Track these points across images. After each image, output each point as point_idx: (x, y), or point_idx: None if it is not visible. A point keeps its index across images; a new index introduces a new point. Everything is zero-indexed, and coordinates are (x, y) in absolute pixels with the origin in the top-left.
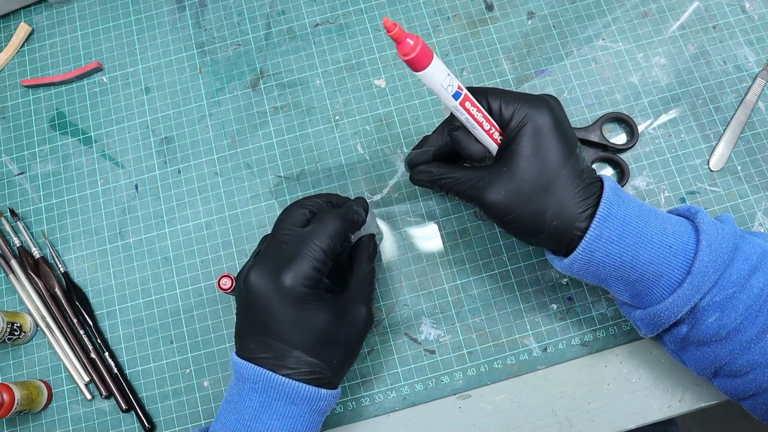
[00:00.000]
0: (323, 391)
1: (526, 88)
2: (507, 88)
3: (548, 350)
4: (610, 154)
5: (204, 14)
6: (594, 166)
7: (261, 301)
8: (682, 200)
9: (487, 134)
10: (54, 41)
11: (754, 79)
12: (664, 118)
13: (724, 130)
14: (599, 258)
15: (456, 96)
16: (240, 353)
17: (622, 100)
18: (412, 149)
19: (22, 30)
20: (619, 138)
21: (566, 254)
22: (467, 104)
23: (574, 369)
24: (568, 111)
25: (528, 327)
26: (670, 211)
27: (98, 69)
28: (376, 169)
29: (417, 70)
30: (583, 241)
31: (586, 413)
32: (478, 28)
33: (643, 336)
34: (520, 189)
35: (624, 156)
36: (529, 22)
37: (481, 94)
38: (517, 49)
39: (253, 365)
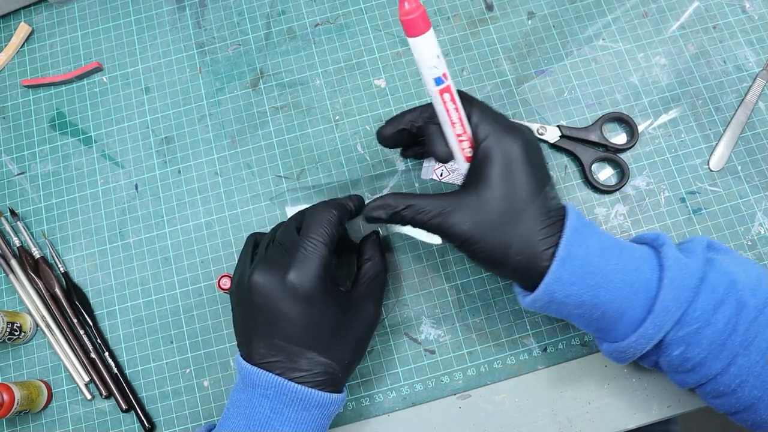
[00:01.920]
0: (334, 396)
1: (526, 88)
2: (493, 108)
3: (548, 350)
4: (610, 154)
5: (204, 14)
6: (594, 166)
7: (268, 302)
8: (682, 200)
9: (456, 139)
10: (54, 41)
11: (755, 79)
12: (664, 118)
13: (724, 130)
14: (560, 298)
15: (437, 81)
16: (249, 358)
17: (622, 100)
18: (386, 123)
19: (22, 30)
20: (620, 138)
21: (532, 289)
22: (446, 96)
23: (574, 369)
24: (568, 111)
25: (528, 327)
26: (637, 238)
27: (98, 69)
28: (376, 169)
29: (410, 35)
30: (542, 283)
31: (586, 413)
32: (478, 28)
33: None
34: (487, 220)
35: (624, 156)
36: (529, 22)
37: (466, 100)
38: (517, 49)
39: (264, 371)
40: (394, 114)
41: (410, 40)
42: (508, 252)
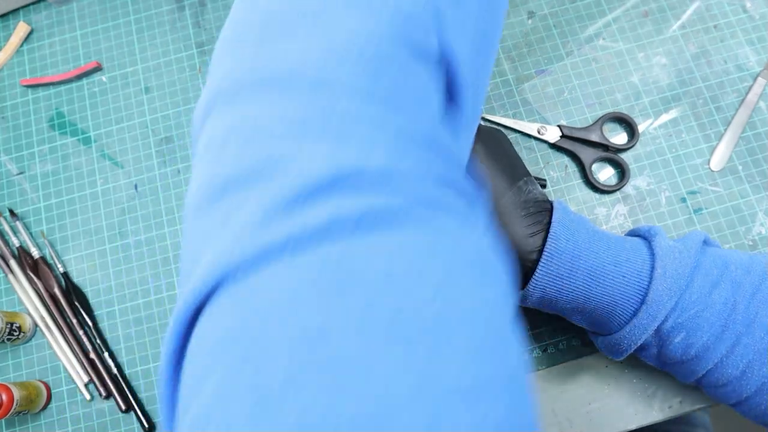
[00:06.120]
0: None
1: (526, 88)
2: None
3: (548, 350)
4: (611, 154)
5: (204, 14)
6: (594, 166)
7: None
8: (683, 200)
9: None
10: (53, 41)
11: (755, 78)
12: (664, 118)
13: (725, 130)
14: (551, 293)
15: None
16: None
17: (623, 100)
18: None
19: (22, 29)
20: (620, 138)
21: (523, 286)
22: None
23: (574, 369)
24: (568, 111)
25: (528, 327)
26: (630, 232)
27: (98, 69)
28: None
29: None
30: (532, 279)
31: (586, 413)
32: None
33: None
34: None
35: (625, 156)
36: (530, 21)
37: None
38: (518, 48)
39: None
40: None
41: None
42: None
